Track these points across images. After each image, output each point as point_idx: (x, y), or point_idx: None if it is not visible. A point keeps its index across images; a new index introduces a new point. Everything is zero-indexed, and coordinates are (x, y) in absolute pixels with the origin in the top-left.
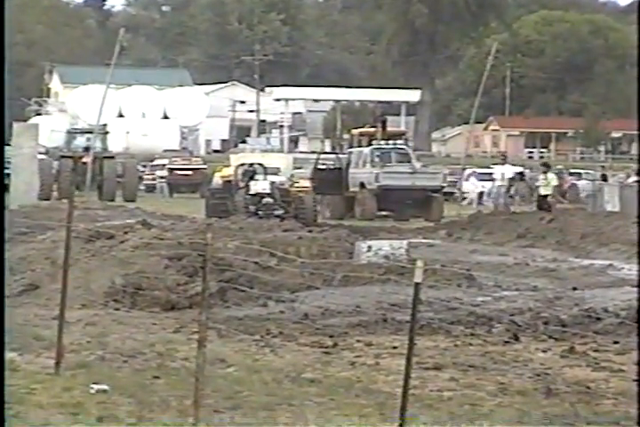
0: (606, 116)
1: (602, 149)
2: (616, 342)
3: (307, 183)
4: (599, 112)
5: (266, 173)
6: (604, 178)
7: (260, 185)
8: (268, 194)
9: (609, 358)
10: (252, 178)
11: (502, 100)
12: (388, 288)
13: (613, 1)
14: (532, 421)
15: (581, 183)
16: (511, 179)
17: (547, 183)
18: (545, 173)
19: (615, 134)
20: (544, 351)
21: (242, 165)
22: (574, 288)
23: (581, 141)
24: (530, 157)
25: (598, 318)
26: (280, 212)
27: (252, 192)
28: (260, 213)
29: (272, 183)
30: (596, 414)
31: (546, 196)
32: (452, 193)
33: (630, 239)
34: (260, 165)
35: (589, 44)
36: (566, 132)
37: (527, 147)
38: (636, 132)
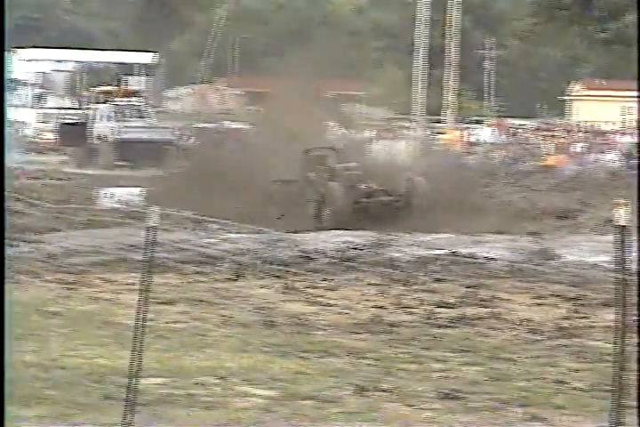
0: (321, 76)
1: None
2: (325, 280)
3: (51, 136)
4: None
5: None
6: None
7: None
8: None
9: (321, 294)
10: None
11: (229, 62)
12: (126, 231)
13: None
14: (253, 349)
15: None
16: None
17: None
18: None
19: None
20: (264, 288)
21: None
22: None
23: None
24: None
25: (311, 258)
26: None
27: None
28: None
29: None
30: (310, 344)
31: None
32: None
33: None
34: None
35: (307, 12)
36: None
37: (249, 105)
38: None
